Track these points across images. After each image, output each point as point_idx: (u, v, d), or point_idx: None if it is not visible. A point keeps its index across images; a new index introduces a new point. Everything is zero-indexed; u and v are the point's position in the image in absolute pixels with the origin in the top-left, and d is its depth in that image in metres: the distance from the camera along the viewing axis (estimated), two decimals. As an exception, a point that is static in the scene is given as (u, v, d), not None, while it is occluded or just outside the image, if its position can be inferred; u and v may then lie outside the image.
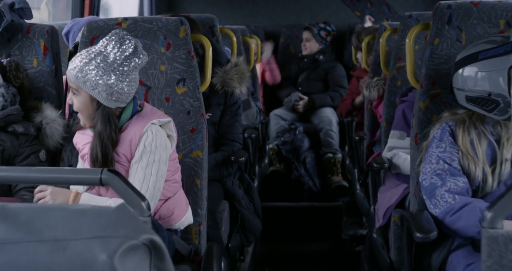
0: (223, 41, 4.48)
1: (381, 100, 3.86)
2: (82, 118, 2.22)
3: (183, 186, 2.44)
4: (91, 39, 2.58)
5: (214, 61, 3.09)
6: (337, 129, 5.37)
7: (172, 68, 2.59)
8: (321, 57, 5.83)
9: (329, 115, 5.40)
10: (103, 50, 2.16)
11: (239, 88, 3.13)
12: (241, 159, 3.05)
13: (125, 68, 2.15)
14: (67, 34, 3.03)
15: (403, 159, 2.81)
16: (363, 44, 4.27)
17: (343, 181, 5.14)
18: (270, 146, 5.34)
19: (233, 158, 3.05)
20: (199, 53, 3.00)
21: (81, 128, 2.32)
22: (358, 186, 4.07)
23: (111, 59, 2.14)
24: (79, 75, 2.12)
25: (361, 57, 4.41)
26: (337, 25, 6.13)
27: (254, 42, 5.08)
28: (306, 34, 5.87)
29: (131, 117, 2.24)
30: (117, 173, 1.42)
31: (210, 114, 3.09)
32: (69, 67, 2.16)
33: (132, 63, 2.16)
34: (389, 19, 6.26)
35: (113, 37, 2.17)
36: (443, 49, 2.30)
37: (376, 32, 4.16)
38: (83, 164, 2.34)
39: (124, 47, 2.17)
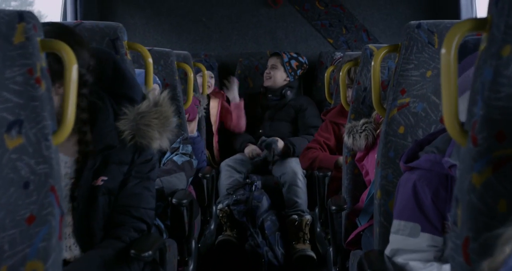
0: (160, 69, 3.32)
1: (368, 151, 2.73)
2: None
3: None
4: None
5: (121, 96, 1.97)
6: (304, 183, 4.20)
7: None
8: (288, 92, 4.69)
9: (294, 166, 4.22)
10: None
11: (158, 140, 1.97)
12: (146, 254, 1.83)
13: None
14: None
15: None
16: (341, 74, 3.12)
17: (310, 250, 3.94)
18: (220, 206, 4.12)
19: (133, 252, 1.84)
20: (86, 79, 1.86)
21: None
22: (334, 272, 2.88)
23: None
24: None
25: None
26: (305, 54, 5.00)
27: (194, 71, 3.91)
28: (272, 61, 4.73)
29: None
30: None
31: (105, 178, 1.91)
32: None
33: None
34: (368, 48, 5.17)
35: None
36: (519, 67, 1.12)
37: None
38: None
39: None
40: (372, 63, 2.13)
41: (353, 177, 2.91)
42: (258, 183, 4.21)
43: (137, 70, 2.75)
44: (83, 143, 1.92)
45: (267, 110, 4.72)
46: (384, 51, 2.13)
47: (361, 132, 2.75)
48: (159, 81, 3.17)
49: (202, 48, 5.44)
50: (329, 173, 3.50)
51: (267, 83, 4.74)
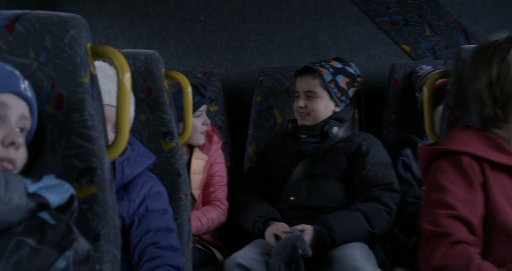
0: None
1: None
2: None
3: None
4: None
5: None
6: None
7: None
8: (334, 128, 2.71)
9: (356, 262, 2.32)
10: None
11: None
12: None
13: None
14: None
15: None
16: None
17: None
18: None
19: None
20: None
21: None
22: None
23: None
24: None
25: None
26: (367, 68, 3.16)
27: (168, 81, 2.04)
28: (304, 84, 2.79)
29: None
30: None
31: None
32: None
33: None
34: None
35: None
36: None
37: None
38: None
39: None
40: None
41: None
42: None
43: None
44: None
45: (300, 159, 2.74)
46: None
47: None
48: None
49: (199, 62, 3.49)
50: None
51: (302, 121, 2.82)
